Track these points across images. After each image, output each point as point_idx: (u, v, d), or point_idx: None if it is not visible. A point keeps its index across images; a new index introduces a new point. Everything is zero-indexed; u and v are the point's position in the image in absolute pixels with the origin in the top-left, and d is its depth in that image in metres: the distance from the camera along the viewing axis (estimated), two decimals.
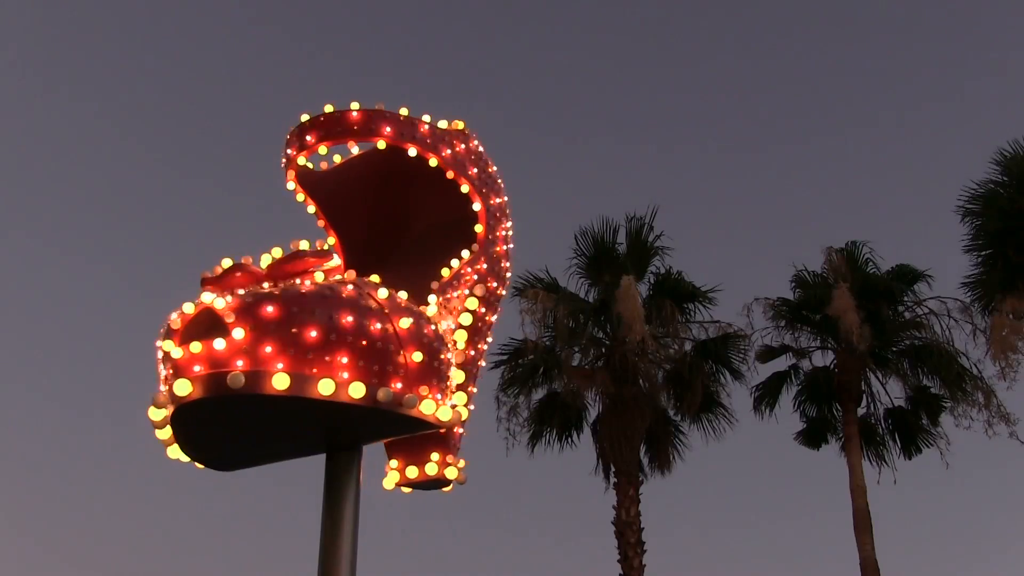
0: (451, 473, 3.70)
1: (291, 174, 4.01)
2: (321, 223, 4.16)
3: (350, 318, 2.97)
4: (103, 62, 28.95)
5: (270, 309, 2.85)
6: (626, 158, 31.80)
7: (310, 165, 4.12)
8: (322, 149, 3.88)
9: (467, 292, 3.80)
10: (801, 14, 32.56)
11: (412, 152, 3.87)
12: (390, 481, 3.78)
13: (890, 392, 16.25)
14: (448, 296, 3.71)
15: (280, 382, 2.78)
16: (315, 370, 2.85)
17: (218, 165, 29.29)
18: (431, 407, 3.13)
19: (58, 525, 23.94)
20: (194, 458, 3.27)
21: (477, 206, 4.01)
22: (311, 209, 4.14)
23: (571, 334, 14.92)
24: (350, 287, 3.13)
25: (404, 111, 3.94)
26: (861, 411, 15.85)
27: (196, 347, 2.80)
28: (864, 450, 15.54)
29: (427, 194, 4.22)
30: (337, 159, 4.23)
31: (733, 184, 31.43)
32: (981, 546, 25.47)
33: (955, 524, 25.75)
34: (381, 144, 3.86)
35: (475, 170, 4.02)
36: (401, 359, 3.06)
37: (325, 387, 2.84)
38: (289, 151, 3.91)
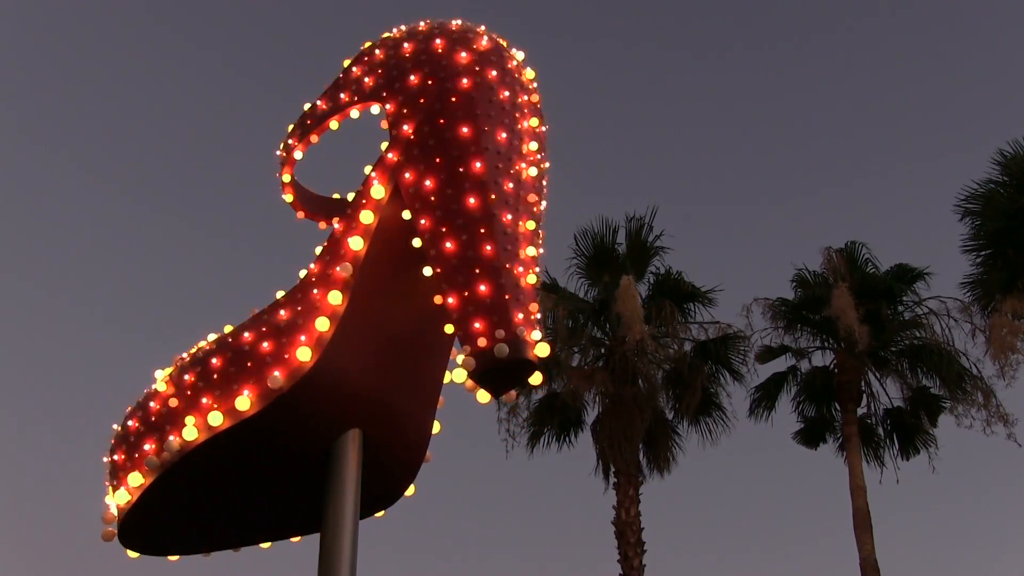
0: (466, 364, 3.23)
1: (289, 195, 4.05)
2: None
3: (150, 406, 3.65)
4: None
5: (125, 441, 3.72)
6: (626, 158, 31.80)
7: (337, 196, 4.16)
8: (314, 138, 3.97)
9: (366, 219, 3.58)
10: (800, 14, 32.56)
11: (376, 110, 3.90)
12: (462, 379, 3.37)
13: (889, 392, 16.26)
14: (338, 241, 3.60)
15: (120, 498, 3.61)
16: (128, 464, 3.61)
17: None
18: (218, 418, 3.42)
19: (56, 525, 23.95)
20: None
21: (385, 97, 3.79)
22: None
23: (570, 334, 14.92)
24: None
25: (352, 67, 3.98)
26: (860, 411, 15.86)
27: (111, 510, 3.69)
28: (863, 450, 15.54)
29: None
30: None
31: (733, 184, 31.44)
32: (982, 547, 25.50)
33: (955, 524, 25.78)
34: (379, 111, 3.87)
35: (384, 65, 3.87)
36: (181, 407, 3.54)
37: (130, 485, 3.55)
38: (283, 173, 3.97)
